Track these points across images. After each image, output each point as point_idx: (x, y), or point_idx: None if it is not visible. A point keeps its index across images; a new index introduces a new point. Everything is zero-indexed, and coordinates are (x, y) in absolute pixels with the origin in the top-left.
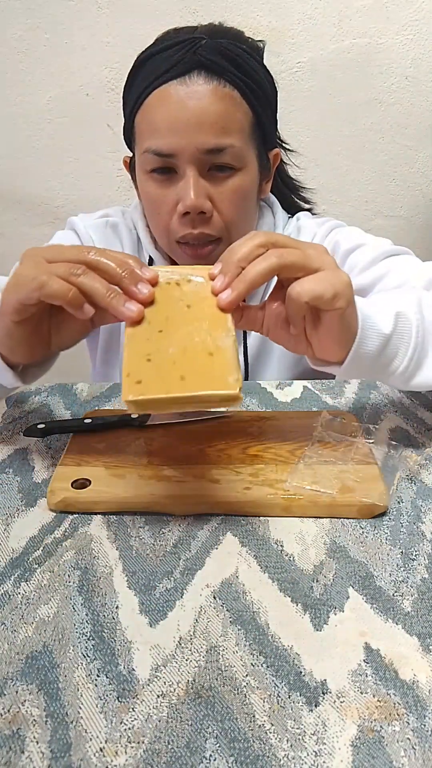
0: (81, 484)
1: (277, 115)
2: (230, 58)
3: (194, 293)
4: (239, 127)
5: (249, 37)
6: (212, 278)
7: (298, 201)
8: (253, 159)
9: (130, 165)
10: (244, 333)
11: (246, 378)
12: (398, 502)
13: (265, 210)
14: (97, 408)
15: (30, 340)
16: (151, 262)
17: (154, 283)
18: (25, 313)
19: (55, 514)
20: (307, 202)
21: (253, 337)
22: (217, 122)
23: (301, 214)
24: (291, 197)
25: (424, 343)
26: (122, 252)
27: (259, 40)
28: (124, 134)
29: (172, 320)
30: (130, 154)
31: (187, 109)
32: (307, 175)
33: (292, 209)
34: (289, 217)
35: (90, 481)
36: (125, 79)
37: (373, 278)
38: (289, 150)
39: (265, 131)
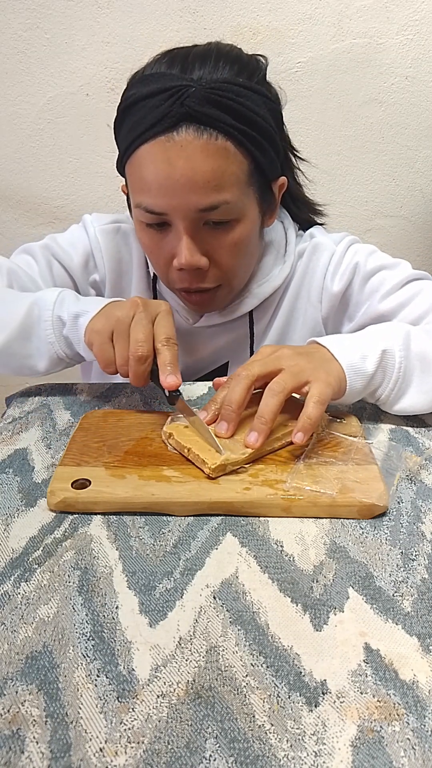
0: (81, 484)
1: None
2: (223, 105)
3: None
4: (234, 181)
5: (250, 57)
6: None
7: (309, 213)
8: (252, 205)
9: (128, 195)
10: (251, 342)
11: None
12: (398, 503)
13: (274, 244)
14: (96, 408)
15: None
16: (155, 279)
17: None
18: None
19: (55, 514)
20: (319, 214)
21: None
22: (209, 181)
23: (314, 230)
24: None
25: (406, 376)
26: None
27: (260, 55)
28: (117, 167)
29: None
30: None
31: (176, 169)
32: (307, 175)
33: (303, 221)
34: (299, 229)
35: (90, 481)
36: (125, 80)
37: (397, 304)
38: (300, 159)
39: (265, 169)
